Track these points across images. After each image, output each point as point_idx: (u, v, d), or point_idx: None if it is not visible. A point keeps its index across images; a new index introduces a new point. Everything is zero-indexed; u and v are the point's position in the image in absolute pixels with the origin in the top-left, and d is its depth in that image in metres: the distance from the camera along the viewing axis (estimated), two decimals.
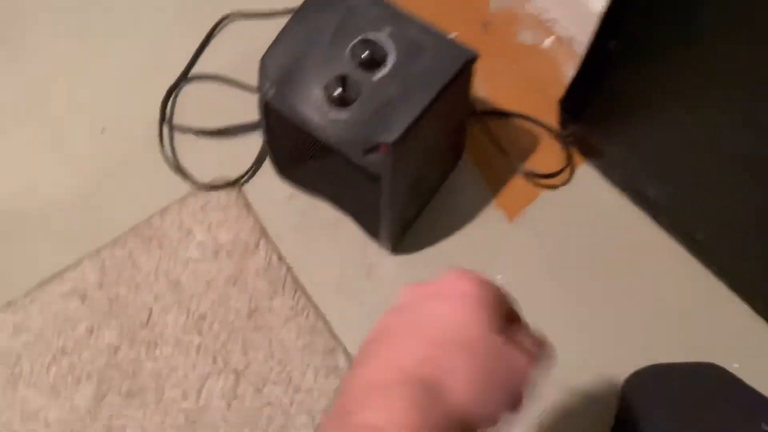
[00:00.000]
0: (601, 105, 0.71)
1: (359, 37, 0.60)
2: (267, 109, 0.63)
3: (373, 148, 0.57)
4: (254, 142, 0.79)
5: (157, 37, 0.88)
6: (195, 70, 0.85)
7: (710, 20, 0.55)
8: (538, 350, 0.37)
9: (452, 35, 0.87)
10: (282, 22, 0.62)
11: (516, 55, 0.85)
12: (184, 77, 0.84)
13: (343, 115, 0.59)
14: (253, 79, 0.63)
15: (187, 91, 0.84)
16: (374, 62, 0.59)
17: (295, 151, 0.70)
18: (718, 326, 0.69)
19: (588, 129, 0.75)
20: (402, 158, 0.59)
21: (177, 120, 0.82)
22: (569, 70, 0.83)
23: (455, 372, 0.33)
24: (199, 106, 0.83)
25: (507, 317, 0.37)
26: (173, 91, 0.84)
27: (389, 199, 0.64)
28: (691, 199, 0.69)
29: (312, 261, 0.74)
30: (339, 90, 0.58)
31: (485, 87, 0.83)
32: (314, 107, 0.59)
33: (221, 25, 0.88)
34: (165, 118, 0.82)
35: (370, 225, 0.71)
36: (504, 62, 0.85)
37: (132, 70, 0.86)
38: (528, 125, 0.81)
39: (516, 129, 0.81)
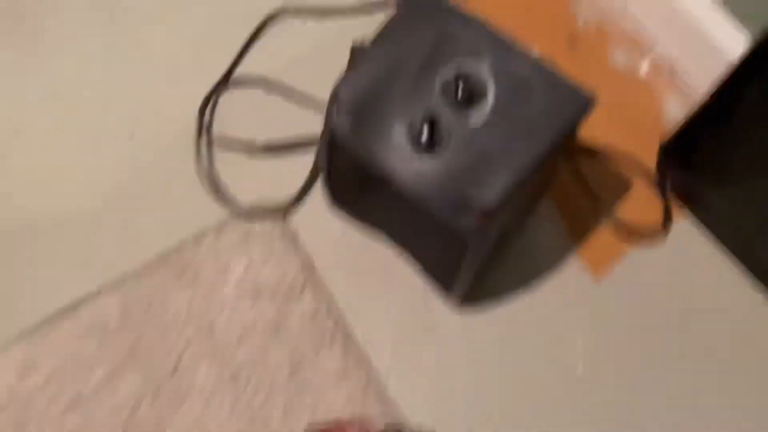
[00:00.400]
0: (716, 152, 0.61)
1: (454, 70, 0.50)
2: (334, 141, 0.53)
3: (464, 211, 0.47)
4: (305, 161, 0.69)
5: (197, 31, 0.77)
6: (239, 73, 0.74)
7: None
8: None
9: (533, 50, 0.76)
10: (340, 22, 0.52)
11: (606, 79, 0.74)
12: (226, 80, 0.74)
13: (428, 163, 0.48)
14: (304, 85, 0.52)
15: (229, 96, 0.73)
16: (470, 101, 0.49)
17: (356, 182, 0.60)
18: None
19: (694, 177, 0.64)
20: (495, 223, 0.49)
21: (216, 130, 0.72)
22: (668, 104, 0.73)
23: None
24: (242, 115, 0.72)
25: None
26: (213, 95, 0.73)
27: (471, 260, 0.54)
28: None
29: (366, 311, 0.64)
30: (426, 133, 0.48)
31: None
32: (394, 150, 0.49)
33: (271, 22, 0.77)
34: (203, 127, 0.72)
35: (440, 278, 0.61)
36: (594, 86, 0.74)
37: (167, 68, 0.75)
38: (619, 166, 0.70)
39: (604, 169, 0.70)
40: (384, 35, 0.51)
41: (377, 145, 0.49)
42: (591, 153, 0.70)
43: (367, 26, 0.56)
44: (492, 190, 0.47)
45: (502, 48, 0.50)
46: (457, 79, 0.49)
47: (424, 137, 0.48)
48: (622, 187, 0.69)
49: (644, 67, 0.74)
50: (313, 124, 0.66)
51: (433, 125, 0.48)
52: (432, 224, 0.52)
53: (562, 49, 0.76)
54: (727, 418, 0.61)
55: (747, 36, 0.64)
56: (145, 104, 0.73)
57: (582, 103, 0.49)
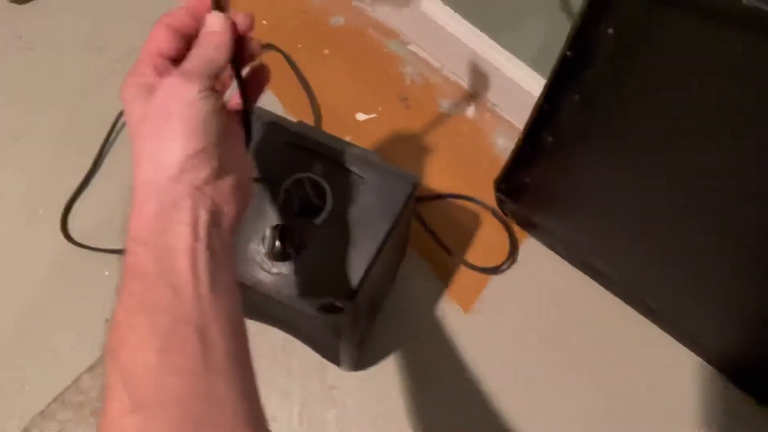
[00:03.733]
0: (539, 185, 0.70)
1: (291, 179, 0.55)
2: None
3: (328, 306, 0.53)
4: None
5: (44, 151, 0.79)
6: (95, 183, 0.77)
7: (641, 119, 0.54)
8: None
9: (372, 116, 0.83)
10: None
11: (442, 127, 0.83)
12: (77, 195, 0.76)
13: (287, 268, 0.54)
14: None
15: (85, 207, 0.76)
16: (312, 205, 0.55)
17: None
18: (684, 390, 0.70)
19: (527, 208, 0.73)
20: (359, 306, 0.55)
21: (84, 241, 0.74)
22: (498, 138, 0.82)
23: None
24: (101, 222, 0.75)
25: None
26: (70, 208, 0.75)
27: (348, 338, 0.59)
28: (638, 272, 0.69)
29: (268, 394, 0.69)
30: (278, 243, 0.53)
31: (415, 167, 0.80)
32: (254, 263, 0.54)
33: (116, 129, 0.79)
34: (70, 239, 0.74)
35: (327, 354, 0.67)
36: (430, 137, 0.82)
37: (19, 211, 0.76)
38: (465, 204, 0.78)
39: (453, 210, 0.78)
40: None
41: (239, 263, 0.54)
42: (437, 198, 0.78)
43: None
44: (348, 279, 0.52)
45: (330, 150, 0.56)
46: (296, 186, 0.55)
47: (277, 247, 0.53)
48: (471, 223, 0.77)
49: (470, 111, 0.83)
50: None
51: (282, 234, 0.53)
52: (305, 317, 0.57)
53: (397, 108, 0.83)
54: (598, 402, 0.70)
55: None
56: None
57: (411, 184, 0.56)
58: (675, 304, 0.69)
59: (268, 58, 0.85)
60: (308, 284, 0.53)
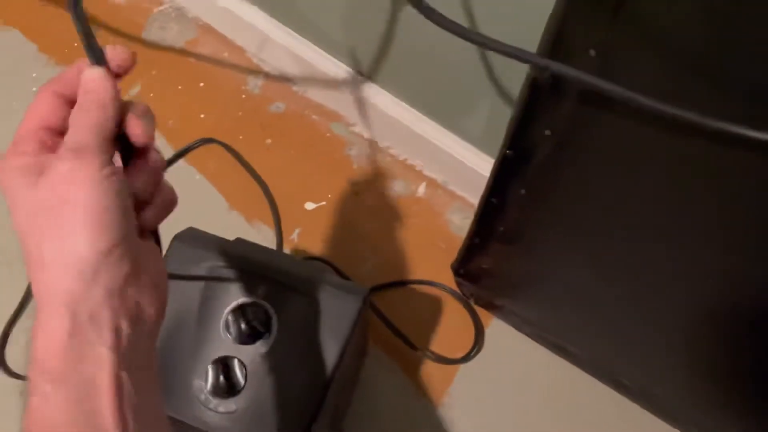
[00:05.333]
0: (497, 270, 0.68)
1: (232, 305, 0.52)
2: None
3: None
4: None
5: None
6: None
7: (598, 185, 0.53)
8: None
9: (321, 203, 0.80)
10: None
11: (394, 209, 0.80)
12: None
13: (236, 403, 0.50)
14: None
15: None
16: (255, 331, 0.51)
17: None
18: None
19: (488, 291, 0.71)
20: (323, 422, 0.51)
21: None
22: (452, 215, 0.80)
23: None
24: None
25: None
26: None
27: None
28: (606, 350, 0.67)
29: None
30: (222, 379, 0.50)
31: (369, 253, 0.77)
32: (197, 402, 0.50)
33: None
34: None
35: None
36: (383, 220, 0.80)
37: None
38: (424, 289, 0.76)
39: (413, 296, 0.75)
40: None
41: (181, 403, 0.50)
42: (394, 285, 0.75)
43: None
44: (303, 410, 0.49)
45: (270, 270, 0.53)
46: (237, 313, 0.51)
47: (221, 383, 0.49)
48: (433, 310, 0.74)
49: (421, 190, 0.81)
50: None
51: (226, 368, 0.50)
52: None
53: (347, 193, 0.81)
54: None
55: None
56: None
57: (360, 297, 0.53)
58: (648, 380, 0.67)
59: (208, 153, 0.83)
60: (259, 421, 0.50)
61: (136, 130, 0.32)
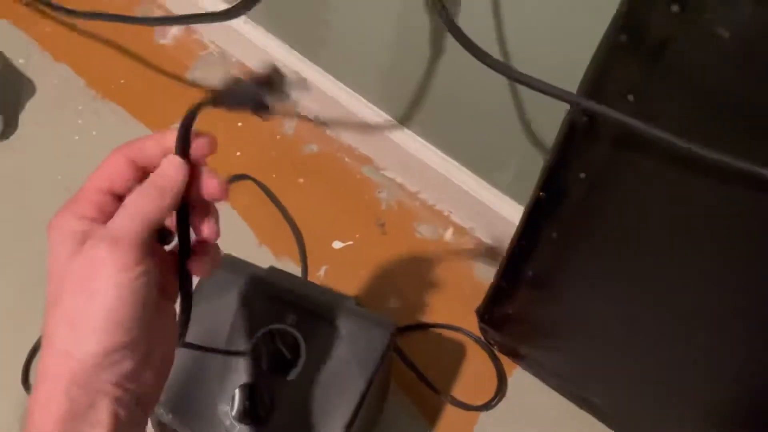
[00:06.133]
0: (523, 316, 0.68)
1: (260, 332, 0.52)
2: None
3: None
4: None
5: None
6: None
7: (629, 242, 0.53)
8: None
9: (349, 243, 0.81)
10: None
11: (420, 253, 0.81)
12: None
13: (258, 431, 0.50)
14: None
15: None
16: (283, 359, 0.52)
17: None
18: None
19: (512, 338, 0.71)
20: None
21: None
22: (478, 262, 0.80)
23: None
24: None
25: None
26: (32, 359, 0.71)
27: None
28: (632, 405, 0.65)
29: None
30: (248, 405, 0.50)
31: (394, 296, 0.77)
32: (222, 427, 0.50)
33: None
34: None
35: None
36: (409, 263, 0.80)
37: None
38: (448, 334, 0.75)
39: (437, 340, 0.75)
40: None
41: (205, 427, 0.50)
42: (418, 328, 0.75)
43: None
44: None
45: (302, 298, 0.54)
46: (266, 340, 0.52)
47: (247, 409, 0.49)
48: (456, 356, 0.74)
49: (448, 235, 0.82)
50: None
51: (252, 394, 0.50)
52: None
53: (375, 236, 0.82)
54: None
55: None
56: None
57: (389, 333, 0.53)
58: None
59: (242, 189, 0.85)
60: None
61: (204, 228, 0.34)
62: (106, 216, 0.31)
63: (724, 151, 0.37)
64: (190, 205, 0.33)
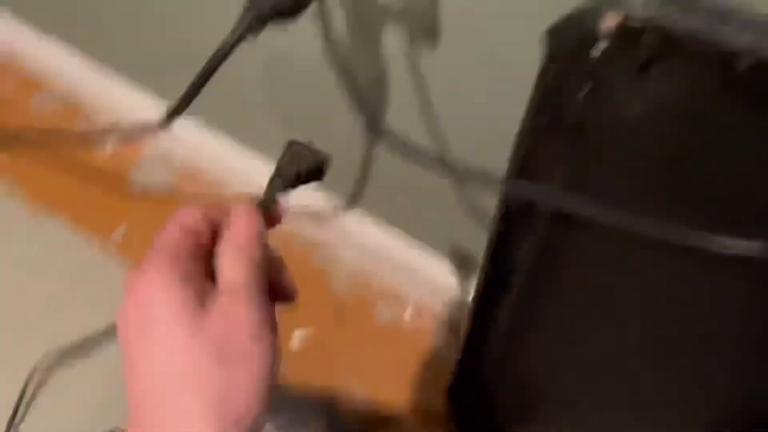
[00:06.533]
0: (488, 391, 0.66)
1: None
2: None
3: None
4: None
5: None
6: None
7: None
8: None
9: (307, 337, 0.80)
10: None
11: (381, 337, 0.80)
12: None
13: None
14: None
15: None
16: None
17: None
18: None
19: (480, 415, 0.69)
20: None
21: None
22: (441, 340, 0.79)
23: None
24: None
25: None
26: None
27: None
28: None
29: None
30: None
31: (360, 385, 0.75)
32: None
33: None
34: None
35: None
36: (372, 349, 0.79)
37: None
38: (418, 422, 0.73)
39: (407, 427, 0.73)
40: None
41: None
42: (387, 420, 0.73)
43: None
44: None
45: None
46: None
47: None
48: None
49: (407, 316, 0.81)
50: None
51: None
52: None
53: (332, 325, 0.80)
54: None
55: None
56: None
57: None
58: None
59: None
60: None
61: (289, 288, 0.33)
62: (205, 274, 0.29)
63: (652, 221, 0.38)
64: None
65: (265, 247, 0.30)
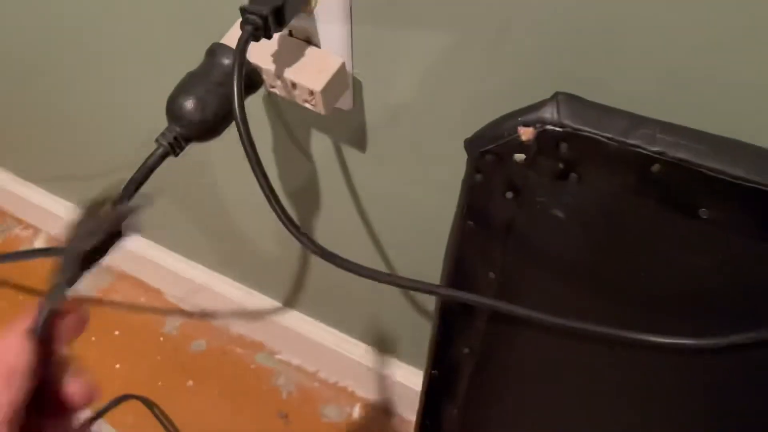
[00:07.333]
0: None
1: None
2: None
3: None
4: None
5: None
6: None
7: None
8: None
9: None
10: None
11: None
12: None
13: None
14: None
15: None
16: None
17: None
18: None
19: None
20: None
21: None
22: None
23: None
24: None
25: None
26: None
27: None
28: None
29: None
30: None
31: None
32: None
33: None
34: None
35: None
36: None
37: None
38: None
39: None
40: None
41: None
42: None
43: None
44: None
45: None
46: None
47: None
48: None
49: (356, 413, 0.78)
50: None
51: None
52: None
53: (277, 427, 0.77)
54: None
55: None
56: None
57: None
58: None
59: (125, 409, 0.77)
60: None
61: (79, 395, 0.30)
62: None
63: (584, 319, 0.38)
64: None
65: (27, 378, 0.28)
